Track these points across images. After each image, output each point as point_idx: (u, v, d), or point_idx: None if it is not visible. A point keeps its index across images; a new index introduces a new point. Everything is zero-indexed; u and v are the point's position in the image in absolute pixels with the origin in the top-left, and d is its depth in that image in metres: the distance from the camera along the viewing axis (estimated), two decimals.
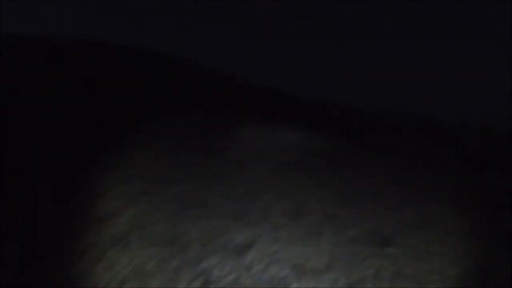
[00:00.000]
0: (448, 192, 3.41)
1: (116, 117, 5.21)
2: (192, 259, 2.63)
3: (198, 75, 7.38)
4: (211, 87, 6.65)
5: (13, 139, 4.09)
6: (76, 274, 2.44)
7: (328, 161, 4.17)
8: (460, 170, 3.65)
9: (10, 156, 3.80)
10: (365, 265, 2.58)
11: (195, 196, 3.73)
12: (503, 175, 3.46)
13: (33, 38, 6.94)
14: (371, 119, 4.41)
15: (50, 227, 2.91)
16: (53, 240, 2.76)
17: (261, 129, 5.03)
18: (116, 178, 3.82)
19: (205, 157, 4.64)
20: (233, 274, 2.45)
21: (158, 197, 3.62)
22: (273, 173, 4.20)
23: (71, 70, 5.92)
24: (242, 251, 2.75)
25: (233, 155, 4.60)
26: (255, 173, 4.22)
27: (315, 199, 3.57)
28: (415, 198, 3.42)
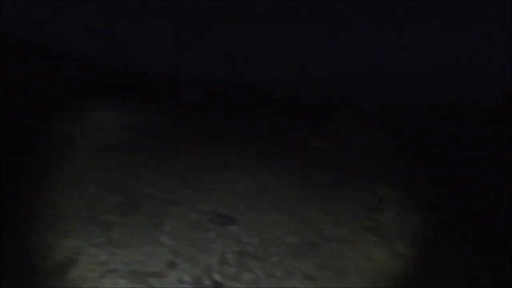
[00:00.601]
0: (284, 159, 3.61)
1: None
2: None
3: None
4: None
5: None
6: None
7: (165, 140, 3.81)
8: (297, 136, 3.91)
9: None
10: (209, 252, 2.45)
11: None
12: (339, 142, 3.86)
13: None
14: (218, 92, 4.22)
15: None
16: None
17: (82, 108, 4.16)
18: None
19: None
20: None
21: None
22: (98, 161, 3.56)
23: None
24: (62, 272, 2.20)
25: (49, 147, 3.67)
26: (76, 163, 3.49)
27: (150, 184, 3.21)
28: (252, 169, 3.48)
